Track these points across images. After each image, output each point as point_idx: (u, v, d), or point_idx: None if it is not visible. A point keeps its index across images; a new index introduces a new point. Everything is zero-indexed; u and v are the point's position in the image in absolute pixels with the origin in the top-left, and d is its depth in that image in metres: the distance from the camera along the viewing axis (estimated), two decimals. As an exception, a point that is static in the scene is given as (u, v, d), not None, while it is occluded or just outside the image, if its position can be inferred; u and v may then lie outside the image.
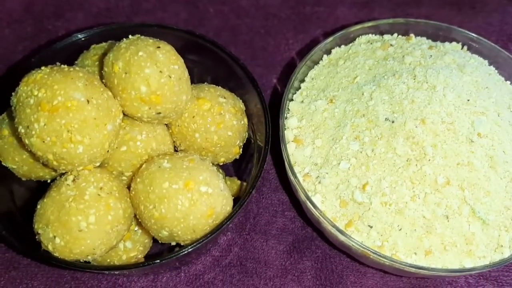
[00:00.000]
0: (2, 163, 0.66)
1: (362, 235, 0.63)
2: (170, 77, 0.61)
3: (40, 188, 0.71)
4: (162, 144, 0.68)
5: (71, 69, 0.59)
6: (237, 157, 0.74)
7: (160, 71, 0.60)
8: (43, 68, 0.59)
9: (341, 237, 0.62)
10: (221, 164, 0.74)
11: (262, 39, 0.99)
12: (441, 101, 0.66)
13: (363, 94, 0.70)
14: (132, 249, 0.68)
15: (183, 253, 0.59)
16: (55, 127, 0.56)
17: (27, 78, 0.58)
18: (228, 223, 0.61)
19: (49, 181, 0.68)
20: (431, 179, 0.62)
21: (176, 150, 0.71)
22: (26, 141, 0.57)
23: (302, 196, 0.65)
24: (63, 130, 0.56)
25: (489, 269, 0.62)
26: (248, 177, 0.74)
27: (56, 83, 0.56)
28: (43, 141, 0.56)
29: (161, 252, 0.74)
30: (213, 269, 0.75)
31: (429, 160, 0.63)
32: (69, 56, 0.72)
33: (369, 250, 0.60)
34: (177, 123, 0.69)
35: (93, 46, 0.72)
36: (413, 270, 0.59)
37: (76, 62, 0.71)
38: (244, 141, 0.73)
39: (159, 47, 0.62)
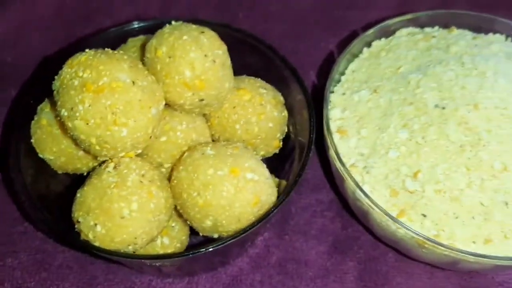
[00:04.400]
0: (39, 154, 0.64)
1: (415, 225, 0.59)
2: (215, 61, 0.60)
3: (74, 185, 0.70)
4: (201, 136, 0.66)
5: (115, 52, 0.58)
6: (277, 151, 0.71)
7: (205, 55, 0.59)
8: (87, 50, 0.57)
9: (393, 228, 0.59)
10: (260, 158, 0.71)
11: (292, 42, 0.98)
12: (492, 87, 0.64)
13: (409, 82, 0.68)
14: (169, 245, 0.65)
15: (228, 242, 0.56)
16: (100, 108, 0.54)
17: (71, 61, 0.56)
18: (275, 211, 0.58)
19: (85, 174, 0.66)
20: (487, 165, 0.60)
21: (214, 144, 0.69)
22: (69, 124, 0.55)
23: (350, 186, 0.62)
24: (108, 112, 0.54)
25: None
26: (285, 176, 0.71)
27: (102, 64, 0.55)
28: (87, 123, 0.54)
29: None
30: (251, 270, 0.72)
31: (484, 145, 0.61)
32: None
33: (426, 239, 0.57)
34: (217, 115, 0.67)
35: (130, 39, 0.71)
36: (472, 259, 0.56)
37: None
38: (284, 135, 0.71)
39: (203, 32, 0.61)
